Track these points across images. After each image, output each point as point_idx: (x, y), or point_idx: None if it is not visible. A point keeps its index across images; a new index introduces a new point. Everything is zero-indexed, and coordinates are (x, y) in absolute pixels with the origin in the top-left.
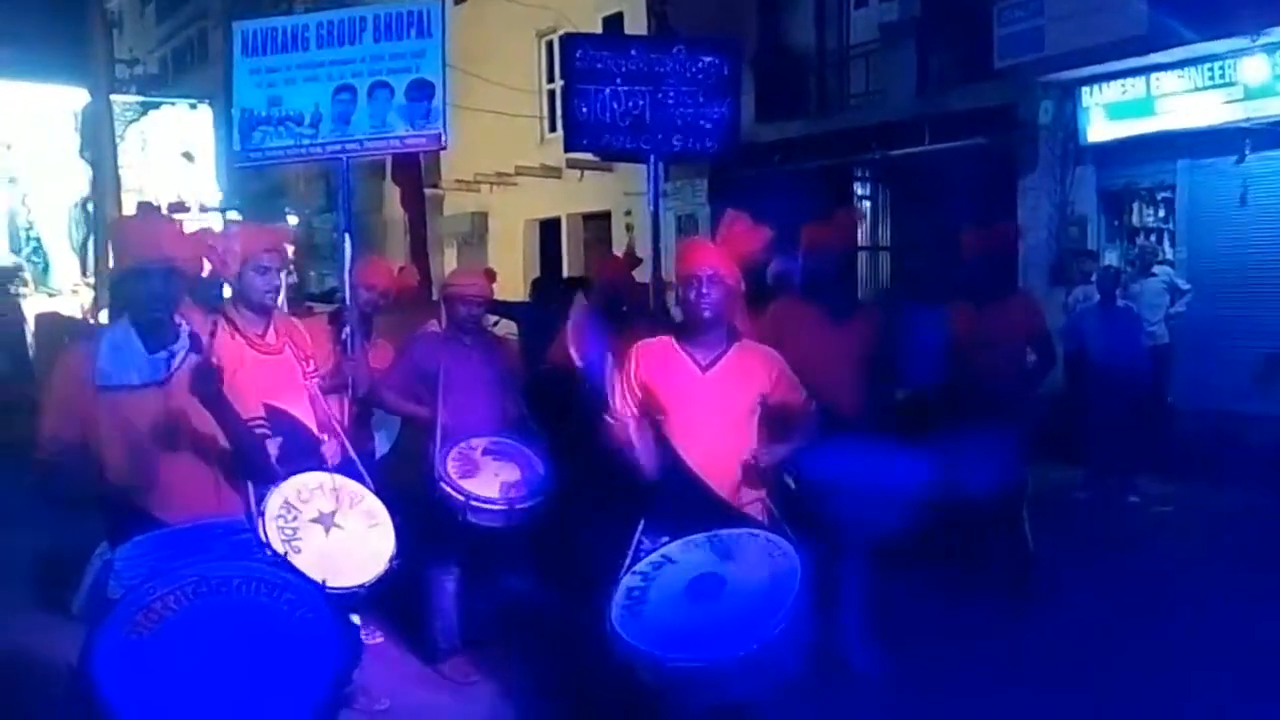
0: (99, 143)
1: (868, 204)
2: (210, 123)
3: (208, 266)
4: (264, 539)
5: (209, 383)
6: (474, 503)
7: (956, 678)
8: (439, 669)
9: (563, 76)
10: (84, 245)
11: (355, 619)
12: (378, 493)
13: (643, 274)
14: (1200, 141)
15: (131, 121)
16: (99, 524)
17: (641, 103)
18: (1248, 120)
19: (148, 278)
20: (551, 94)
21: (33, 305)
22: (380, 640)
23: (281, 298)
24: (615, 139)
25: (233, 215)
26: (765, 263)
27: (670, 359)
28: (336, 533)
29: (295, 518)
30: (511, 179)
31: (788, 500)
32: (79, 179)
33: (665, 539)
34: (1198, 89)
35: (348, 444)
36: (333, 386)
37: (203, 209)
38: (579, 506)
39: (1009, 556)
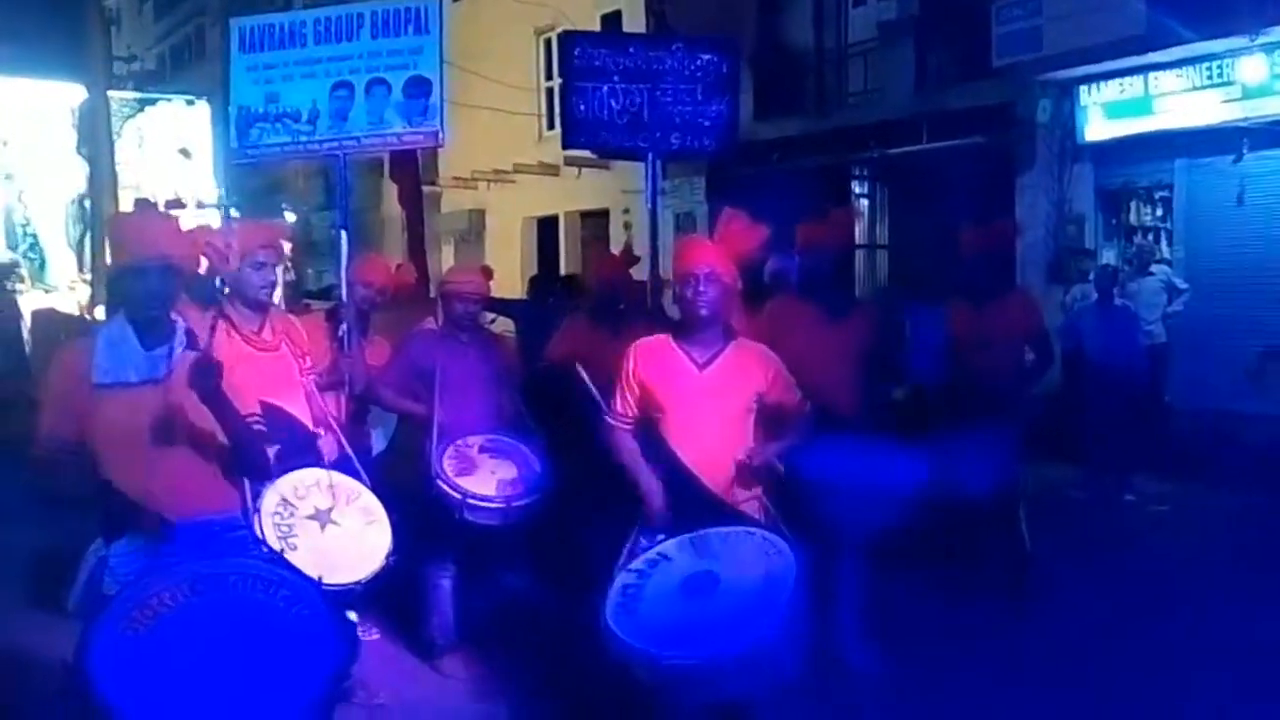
0: (96, 139)
1: (866, 202)
2: (208, 119)
3: (205, 263)
4: (260, 536)
5: (208, 377)
6: (471, 501)
7: (953, 677)
8: (435, 666)
9: (561, 74)
10: (81, 242)
11: (353, 616)
12: (374, 490)
13: (640, 272)
14: (1198, 141)
15: (129, 118)
16: (94, 520)
17: (640, 100)
18: (1245, 120)
19: (145, 275)
20: (550, 91)
21: (29, 302)
22: (377, 637)
23: (278, 294)
24: (613, 137)
25: (230, 212)
26: (762, 261)
27: (667, 357)
28: (333, 529)
29: (291, 514)
30: (509, 176)
31: (784, 498)
32: (76, 175)
33: (661, 536)
34: (1196, 88)
35: (344, 440)
36: (329, 383)
37: (200, 205)
38: (576, 504)
39: (1006, 555)
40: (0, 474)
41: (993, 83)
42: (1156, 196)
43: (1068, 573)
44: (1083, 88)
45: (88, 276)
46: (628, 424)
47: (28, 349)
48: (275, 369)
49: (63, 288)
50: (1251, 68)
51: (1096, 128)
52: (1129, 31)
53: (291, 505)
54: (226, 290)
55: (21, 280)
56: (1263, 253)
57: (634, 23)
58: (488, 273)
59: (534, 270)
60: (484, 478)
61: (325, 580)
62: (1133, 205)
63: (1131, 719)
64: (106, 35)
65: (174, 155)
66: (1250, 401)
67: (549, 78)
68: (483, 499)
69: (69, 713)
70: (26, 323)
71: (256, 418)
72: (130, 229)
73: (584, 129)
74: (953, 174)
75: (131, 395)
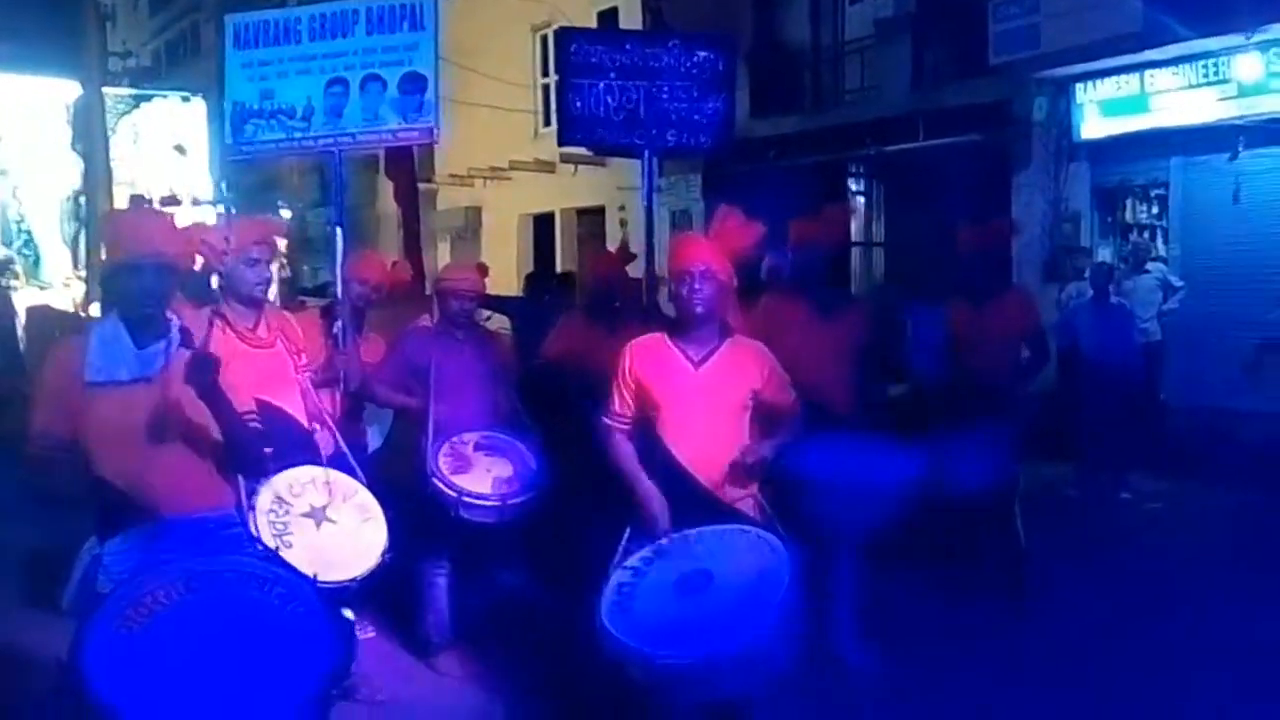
0: (91, 135)
1: (862, 200)
2: (203, 116)
3: (199, 261)
4: (255, 533)
5: (205, 373)
6: (466, 498)
7: (951, 675)
8: (431, 664)
9: (557, 71)
10: (75, 238)
11: (349, 614)
12: (370, 487)
13: (636, 269)
14: (1194, 139)
15: (123, 114)
16: (88, 518)
17: (636, 97)
18: (1241, 118)
19: (139, 273)
20: (546, 88)
21: (24, 298)
22: (372, 635)
23: (274, 291)
24: (609, 134)
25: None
26: (758, 258)
27: (663, 355)
28: (328, 527)
29: (286, 512)
30: (505, 173)
31: (779, 496)
32: (71, 172)
33: (656, 535)
34: (1192, 86)
35: (339, 437)
36: (324, 380)
37: (195, 202)
38: (572, 502)
39: (1001, 553)
40: None
41: (989, 80)
42: (1152, 194)
43: (1064, 571)
44: (1079, 85)
45: (82, 273)
46: (624, 423)
47: (22, 346)
48: (270, 366)
49: (57, 284)
50: (1247, 66)
51: (1092, 125)
52: (1125, 29)
53: (286, 503)
54: (221, 287)
55: (16, 277)
56: (1258, 250)
57: (630, 19)
58: (483, 270)
59: (530, 267)
60: (479, 475)
61: (320, 578)
62: (1128, 203)
63: (1129, 716)
64: (102, 31)
65: (169, 152)
66: (1245, 399)
67: (545, 74)
68: (478, 497)
69: (63, 711)
70: (21, 320)
71: (252, 415)
72: (125, 226)
73: (580, 126)
74: (949, 171)
75: (124, 393)
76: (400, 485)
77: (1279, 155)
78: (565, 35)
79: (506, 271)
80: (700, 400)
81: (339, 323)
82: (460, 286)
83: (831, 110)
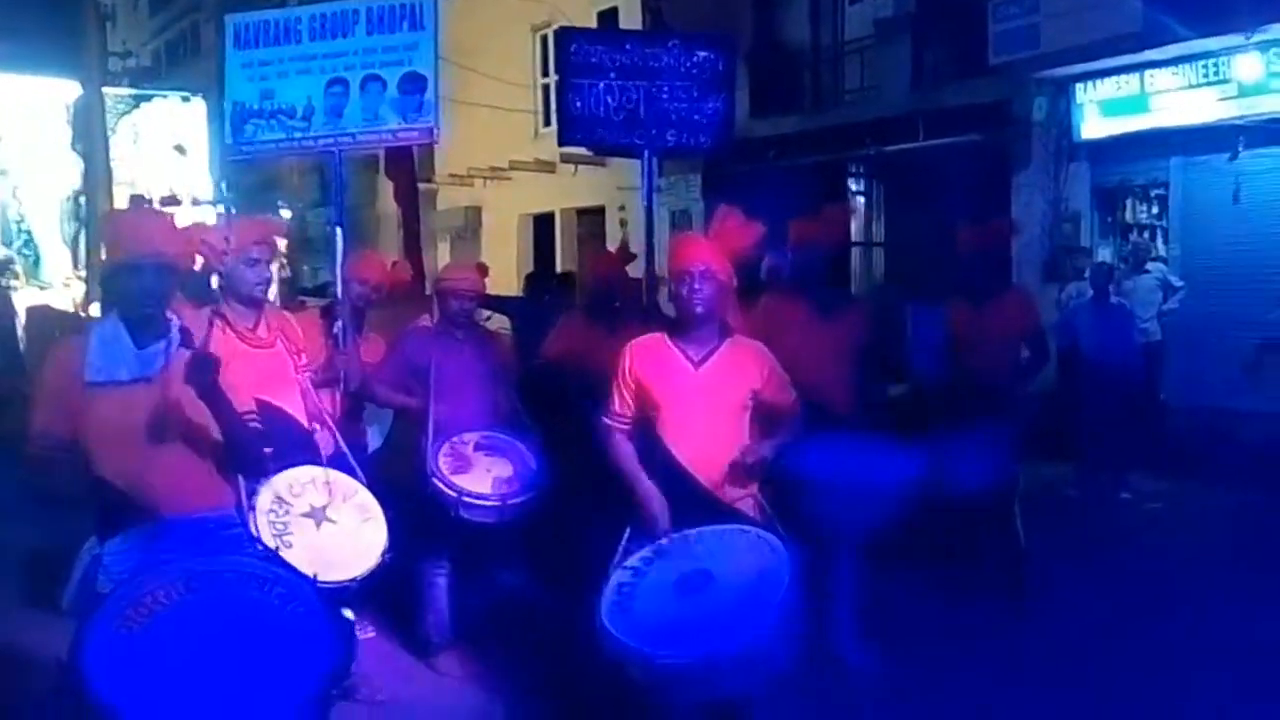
0: (90, 135)
1: (862, 199)
2: (203, 116)
3: (199, 261)
4: (255, 533)
5: (205, 373)
6: (466, 498)
7: (951, 675)
8: (431, 664)
9: (557, 71)
10: (75, 238)
11: (349, 614)
12: (370, 487)
13: (636, 269)
14: (1194, 139)
15: (123, 114)
16: (89, 518)
17: (636, 97)
18: (1241, 118)
19: (139, 273)
20: (546, 88)
21: (24, 298)
22: (372, 635)
23: (273, 291)
24: (609, 134)
25: (223, 209)
26: (758, 258)
27: (662, 355)
28: (328, 527)
29: (286, 512)
30: (505, 173)
31: (779, 496)
32: (71, 172)
33: (656, 535)
34: (1191, 86)
35: (339, 437)
36: (324, 380)
37: (195, 202)
38: (572, 502)
39: (1001, 553)
40: None
41: (989, 80)
42: (1152, 194)
43: (1064, 571)
44: (1079, 85)
45: (82, 273)
46: (624, 424)
47: (22, 346)
48: (270, 366)
49: (57, 284)
50: (1247, 66)
51: (1092, 125)
52: (1125, 29)
53: (286, 503)
54: (221, 287)
55: (16, 277)
56: (1258, 250)
57: (630, 19)
58: (483, 270)
59: (530, 267)
60: (479, 475)
61: (320, 578)
62: (1128, 203)
63: (1128, 715)
64: (102, 31)
65: (169, 152)
66: (1245, 399)
67: (545, 75)
68: (478, 497)
69: (63, 711)
70: (21, 320)
71: (252, 415)
72: (125, 226)
73: (580, 126)
74: (949, 172)
75: (124, 393)
76: (400, 485)
77: (1279, 155)
78: (565, 35)
79: (507, 271)
80: (700, 400)
81: (339, 323)
82: (460, 286)
83: (831, 110)
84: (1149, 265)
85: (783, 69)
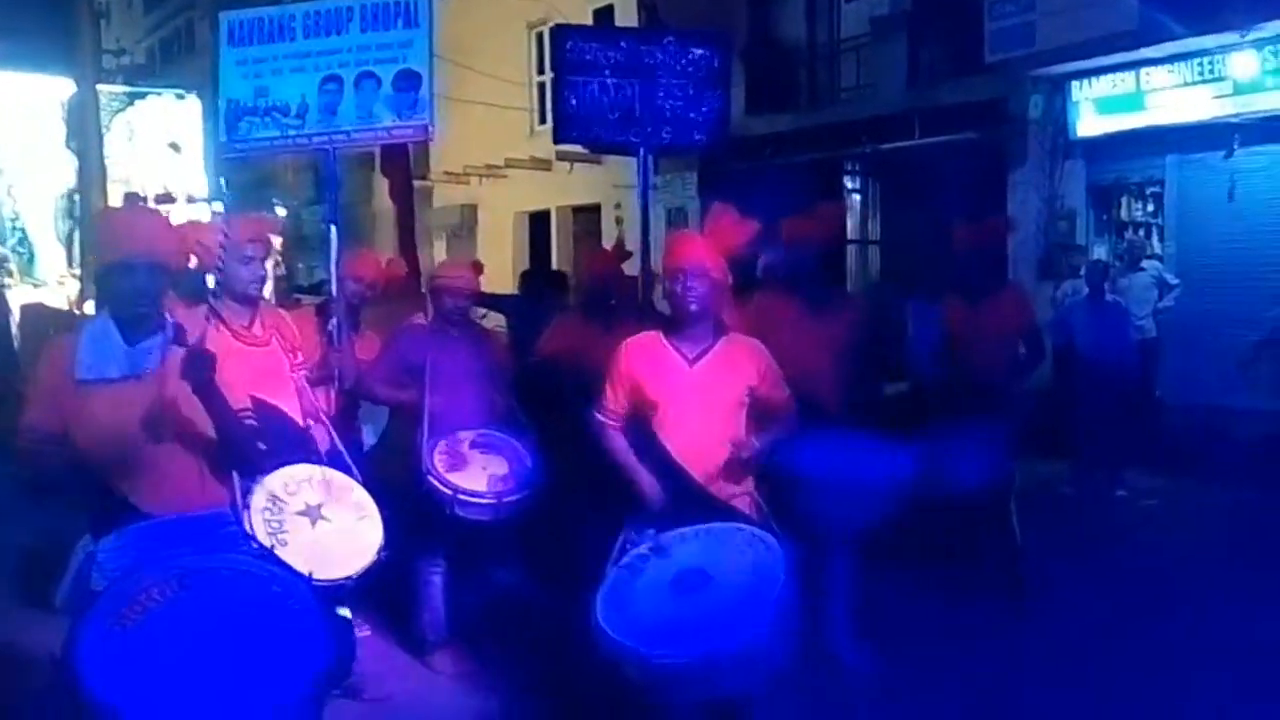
0: (85, 133)
1: (858, 197)
2: (198, 113)
3: (194, 259)
4: (250, 531)
5: (202, 370)
6: (462, 496)
7: (945, 673)
8: (426, 662)
9: (553, 68)
10: (70, 236)
11: (346, 613)
12: (365, 485)
13: (632, 267)
14: (1189, 137)
15: (118, 111)
16: (83, 516)
17: (631, 95)
18: (1236, 115)
19: (132, 272)
20: (542, 86)
21: (18, 296)
22: (368, 633)
23: (269, 289)
24: (605, 131)
25: (218, 207)
26: (754, 256)
27: (658, 353)
28: (324, 525)
29: (282, 510)
30: (501, 171)
31: (774, 494)
32: (65, 170)
33: (652, 533)
34: (1187, 84)
35: (335, 436)
36: (319, 378)
37: (190, 200)
38: (567, 500)
39: (997, 552)
40: None
41: (985, 78)
42: (1148, 192)
43: (1059, 568)
44: (1075, 83)
45: (77, 271)
46: (616, 420)
47: (16, 344)
48: (266, 364)
49: (51, 282)
50: (1242, 64)
51: (1088, 123)
52: (1121, 27)
53: (282, 501)
54: (215, 286)
55: (10, 275)
56: (1253, 248)
57: (626, 17)
58: (478, 268)
59: (526, 265)
60: (475, 473)
61: (316, 576)
62: (1124, 201)
63: (1125, 714)
64: (96, 29)
65: (164, 149)
66: (1241, 396)
67: (541, 72)
68: (474, 494)
69: (58, 709)
70: (15, 317)
71: (247, 412)
72: (118, 225)
73: (575, 123)
74: (945, 169)
75: (114, 391)
76: (396, 483)
77: (1274, 153)
78: (561, 33)
79: (502, 269)
80: (695, 398)
81: (333, 320)
82: (454, 284)
83: (827, 108)
84: (1144, 263)
85: (778, 66)
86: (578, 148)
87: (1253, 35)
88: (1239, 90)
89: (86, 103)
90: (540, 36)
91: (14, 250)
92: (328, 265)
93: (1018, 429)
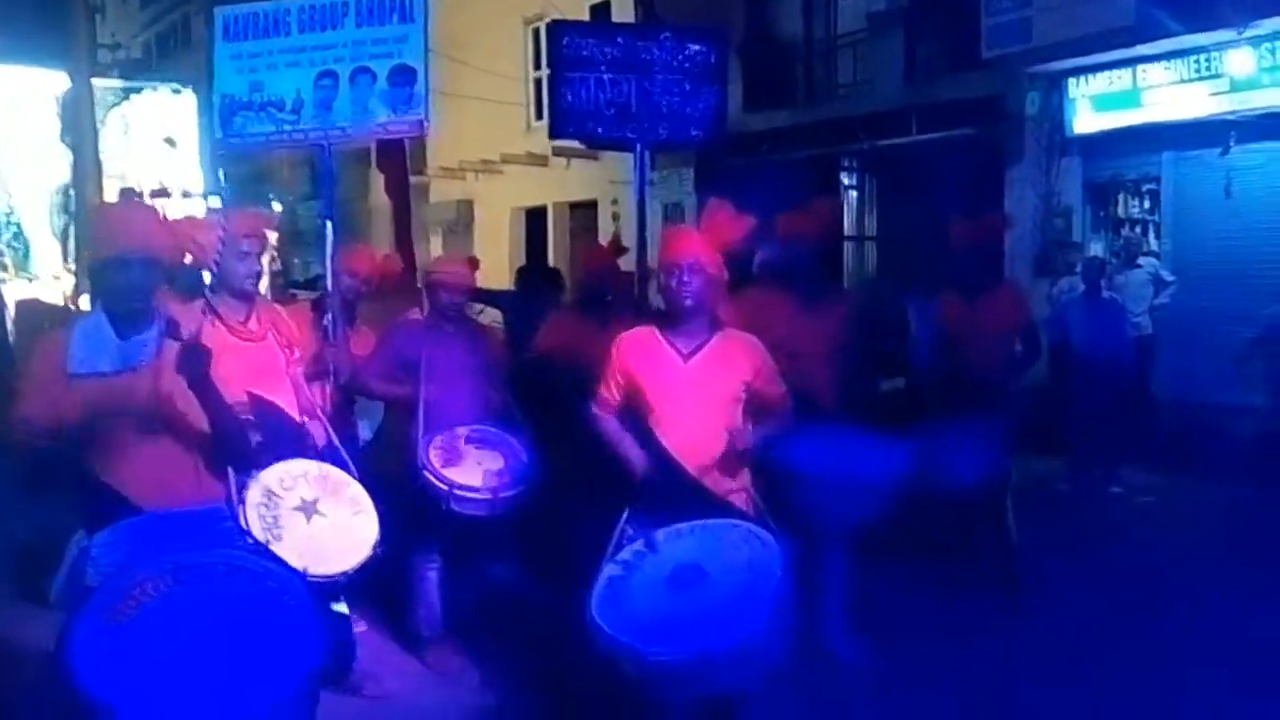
0: (79, 128)
1: (855, 194)
2: (194, 108)
3: (189, 255)
4: (245, 526)
5: (198, 364)
6: (458, 491)
7: (941, 669)
8: (421, 657)
9: (549, 64)
10: (65, 231)
11: (344, 609)
12: (361, 480)
13: (628, 263)
14: (1186, 133)
15: (113, 106)
16: (77, 510)
17: (627, 91)
18: (1233, 113)
19: (126, 267)
20: (538, 82)
21: (13, 291)
22: (363, 629)
23: (265, 284)
24: (601, 127)
25: (214, 202)
26: (750, 251)
27: (652, 348)
28: (319, 520)
29: (277, 505)
30: (497, 167)
31: (770, 490)
32: (61, 164)
33: (649, 528)
34: (1184, 81)
35: (331, 432)
36: (314, 374)
37: (185, 195)
38: (563, 496)
39: (993, 548)
40: None
41: (982, 74)
42: (1144, 189)
43: (1055, 565)
44: (1071, 80)
45: (72, 266)
46: (610, 413)
47: (11, 339)
48: (262, 359)
49: (47, 278)
50: (1239, 61)
51: (1085, 120)
52: (1118, 23)
53: (277, 496)
54: (212, 281)
55: (5, 270)
56: (1249, 245)
57: (623, 13)
58: (473, 263)
59: (522, 261)
60: (471, 468)
61: (311, 571)
62: (1120, 198)
63: (1120, 710)
64: (91, 23)
65: (159, 144)
66: (1236, 393)
67: (538, 68)
68: (470, 489)
69: (50, 704)
70: (10, 313)
71: (242, 407)
72: (113, 220)
73: (572, 119)
74: (941, 166)
75: (106, 385)
76: (391, 479)
77: (1270, 150)
78: (557, 28)
79: (499, 265)
80: (690, 393)
81: (328, 316)
82: (449, 279)
83: (824, 104)
84: (1140, 260)
85: (775, 63)
86: (574, 143)
87: (1249, 32)
88: (1235, 87)
89: (81, 97)
90: (537, 32)
91: (9, 245)
92: (323, 260)
93: (1014, 425)
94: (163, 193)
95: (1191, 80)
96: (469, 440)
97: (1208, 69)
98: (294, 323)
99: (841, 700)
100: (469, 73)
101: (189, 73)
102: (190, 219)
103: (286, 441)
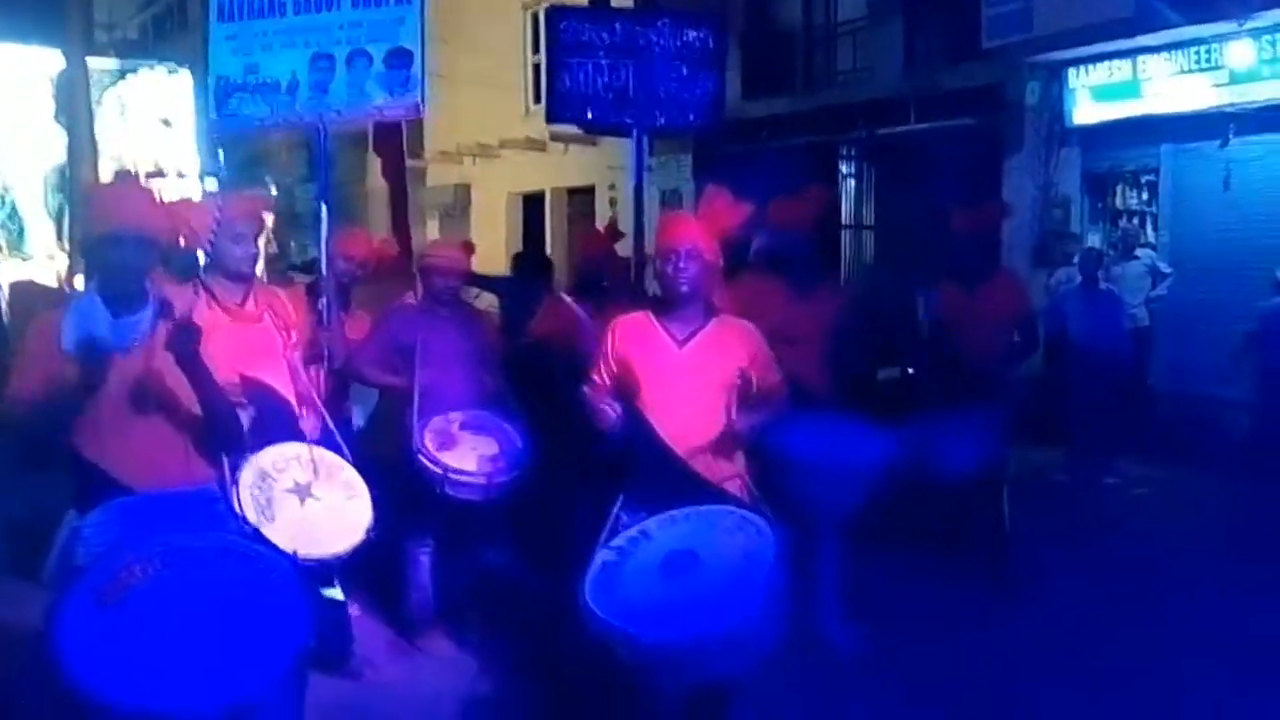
0: (74, 108)
1: (853, 182)
2: (190, 89)
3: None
4: (238, 508)
5: (188, 342)
6: (452, 476)
7: (935, 657)
8: (414, 642)
9: (547, 49)
10: (60, 212)
11: (338, 594)
12: (355, 465)
13: (625, 249)
14: (1185, 125)
15: (109, 86)
16: (69, 490)
17: (625, 76)
18: (1232, 105)
19: (120, 246)
20: (537, 66)
21: (7, 272)
22: (356, 612)
23: (260, 267)
24: (599, 112)
25: (210, 183)
26: (747, 238)
27: (647, 334)
28: (312, 503)
29: (270, 487)
30: (495, 151)
31: (763, 477)
32: (56, 144)
33: (643, 515)
34: (1183, 72)
35: (327, 417)
36: (309, 357)
37: (180, 176)
38: (557, 481)
39: (988, 537)
40: None
41: (982, 64)
42: (1142, 181)
43: (1050, 555)
44: (1071, 70)
45: (66, 247)
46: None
47: (5, 320)
48: (258, 341)
49: (41, 258)
50: (1239, 53)
51: (1084, 111)
52: (1118, 14)
53: (271, 478)
54: (207, 263)
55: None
56: (1247, 238)
57: None
58: (469, 248)
59: (519, 246)
60: (465, 453)
61: (303, 553)
62: (1119, 189)
63: (1113, 700)
64: (87, 2)
65: (156, 125)
66: (1233, 386)
67: (536, 52)
68: (464, 474)
69: (39, 684)
70: (4, 293)
71: (234, 388)
72: (107, 199)
73: (569, 104)
74: (940, 155)
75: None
76: (386, 463)
77: (1270, 143)
78: (555, 13)
79: (496, 250)
80: (683, 379)
81: (323, 299)
82: (443, 264)
83: (823, 92)
84: (1138, 251)
85: (775, 49)
86: (572, 128)
87: (1250, 24)
88: (1235, 79)
89: (76, 77)
90: (536, 16)
91: (3, 225)
92: (319, 244)
93: (1011, 415)
94: (158, 174)
95: (1191, 72)
96: (463, 425)
97: (1208, 61)
98: (292, 306)
99: (835, 687)
100: (467, 56)
101: (185, 53)
102: (185, 200)
103: (280, 424)
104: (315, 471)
